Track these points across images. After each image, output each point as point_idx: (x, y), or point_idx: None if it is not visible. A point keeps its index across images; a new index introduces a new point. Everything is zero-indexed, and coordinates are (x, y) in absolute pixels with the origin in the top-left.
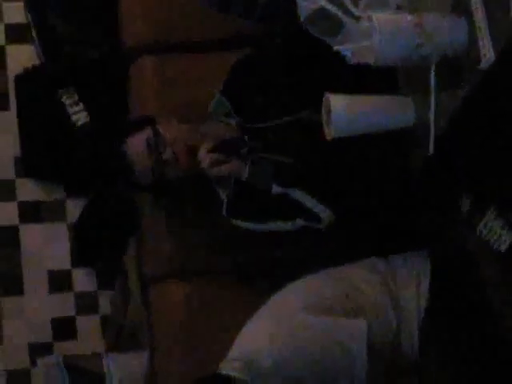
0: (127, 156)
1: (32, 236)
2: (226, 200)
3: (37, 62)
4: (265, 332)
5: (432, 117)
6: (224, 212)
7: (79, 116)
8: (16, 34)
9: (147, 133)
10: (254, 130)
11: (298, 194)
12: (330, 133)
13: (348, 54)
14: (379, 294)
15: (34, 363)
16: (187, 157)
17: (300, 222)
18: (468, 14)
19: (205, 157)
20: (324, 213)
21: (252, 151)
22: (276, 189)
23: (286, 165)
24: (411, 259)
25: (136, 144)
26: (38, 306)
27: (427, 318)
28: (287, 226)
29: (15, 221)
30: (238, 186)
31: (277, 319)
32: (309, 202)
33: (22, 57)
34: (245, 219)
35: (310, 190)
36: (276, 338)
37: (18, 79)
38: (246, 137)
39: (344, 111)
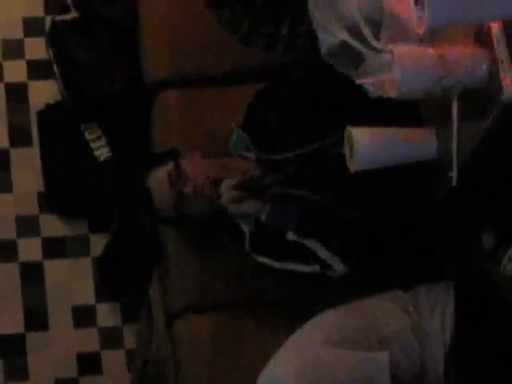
0: (149, 190)
1: (56, 271)
2: (248, 235)
3: (58, 98)
4: (290, 367)
5: (455, 148)
6: (247, 247)
7: (102, 151)
8: (37, 69)
9: (169, 167)
10: (273, 163)
11: (313, 244)
12: (353, 165)
13: (369, 87)
14: (402, 325)
15: None
16: (209, 187)
17: (316, 266)
18: (490, 46)
19: (225, 193)
20: (338, 265)
21: (274, 185)
22: (291, 236)
23: (305, 207)
24: (434, 289)
25: (158, 178)
26: (63, 341)
27: (453, 348)
28: (305, 268)
29: (39, 256)
30: (259, 222)
31: (301, 354)
32: (323, 253)
33: (44, 93)
34: (266, 256)
35: (326, 242)
36: (301, 374)
37: (40, 115)
38: (267, 178)
39: (367, 144)
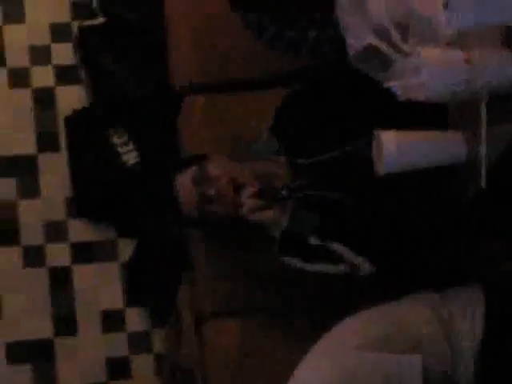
0: (175, 192)
1: (84, 276)
2: (278, 237)
3: (86, 103)
4: (321, 372)
5: (483, 152)
6: (275, 249)
7: (130, 156)
8: (65, 74)
9: (193, 169)
10: (303, 166)
11: (336, 247)
12: (381, 169)
13: (397, 90)
14: (433, 328)
15: None
16: (232, 194)
17: (344, 266)
18: None
19: (245, 202)
20: (364, 265)
21: (301, 189)
22: (313, 240)
23: (332, 211)
24: (464, 291)
25: (183, 180)
26: (92, 346)
27: (483, 351)
28: (332, 268)
29: (67, 261)
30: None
31: (332, 359)
32: (347, 254)
33: (72, 98)
34: (294, 257)
35: (349, 244)
36: (331, 377)
37: (68, 120)
38: (292, 183)
39: (395, 147)
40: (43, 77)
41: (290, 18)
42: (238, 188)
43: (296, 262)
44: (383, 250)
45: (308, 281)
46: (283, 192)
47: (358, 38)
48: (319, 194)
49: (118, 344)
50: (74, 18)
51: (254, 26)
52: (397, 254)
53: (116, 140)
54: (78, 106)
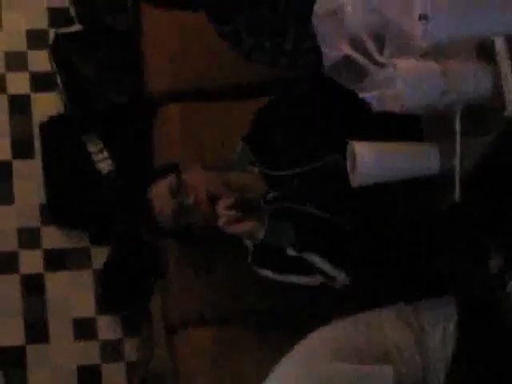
0: (150, 202)
1: (57, 283)
2: (251, 249)
3: (61, 110)
4: (292, 380)
5: (457, 164)
6: (249, 260)
7: (104, 164)
8: (41, 81)
9: (170, 179)
10: (278, 178)
11: (313, 257)
12: (355, 180)
13: (373, 101)
14: (405, 340)
15: None
16: (208, 205)
17: (319, 278)
18: (492, 61)
19: (222, 214)
20: (339, 276)
21: (276, 200)
22: (290, 252)
23: (307, 223)
24: (437, 304)
25: (159, 190)
26: (64, 354)
27: (454, 363)
28: (308, 280)
29: (40, 268)
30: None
31: (304, 367)
32: (323, 265)
33: (47, 105)
34: (268, 269)
35: (325, 255)
36: None
37: (43, 127)
38: (268, 194)
39: (369, 158)
40: (19, 83)
41: (267, 28)
42: (213, 199)
43: (269, 274)
44: (358, 262)
45: (281, 291)
46: (259, 203)
47: (333, 49)
48: (294, 206)
49: (89, 352)
50: (50, 25)
51: (231, 36)
52: (372, 266)
53: (91, 147)
54: (54, 112)
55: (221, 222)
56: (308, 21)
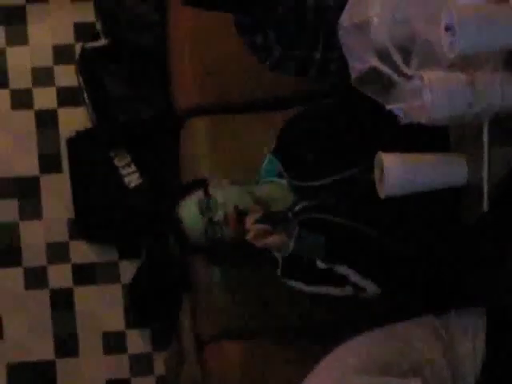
0: (180, 219)
1: (86, 297)
2: (280, 260)
3: (88, 125)
4: None
5: (485, 175)
6: (279, 272)
7: (132, 177)
8: (67, 96)
9: (199, 195)
10: (305, 189)
11: (343, 270)
12: (382, 191)
13: (400, 113)
14: (434, 352)
15: None
16: (236, 223)
17: (349, 289)
18: None
19: (250, 228)
20: (370, 287)
21: (304, 212)
22: (320, 264)
23: (337, 234)
24: (466, 315)
25: (188, 207)
26: (93, 368)
27: (484, 374)
28: (337, 291)
29: (69, 283)
30: None
31: (331, 380)
32: (354, 277)
33: (74, 120)
34: (297, 280)
35: (356, 266)
36: None
37: (71, 142)
38: (296, 206)
39: (396, 170)
40: (46, 98)
41: (297, 38)
42: (241, 215)
43: (298, 285)
44: (389, 273)
45: (311, 303)
46: (287, 216)
47: (360, 61)
48: (323, 217)
49: (119, 366)
50: (77, 40)
51: (261, 49)
52: (402, 277)
53: (118, 162)
54: (80, 127)
55: (249, 237)
56: (336, 31)
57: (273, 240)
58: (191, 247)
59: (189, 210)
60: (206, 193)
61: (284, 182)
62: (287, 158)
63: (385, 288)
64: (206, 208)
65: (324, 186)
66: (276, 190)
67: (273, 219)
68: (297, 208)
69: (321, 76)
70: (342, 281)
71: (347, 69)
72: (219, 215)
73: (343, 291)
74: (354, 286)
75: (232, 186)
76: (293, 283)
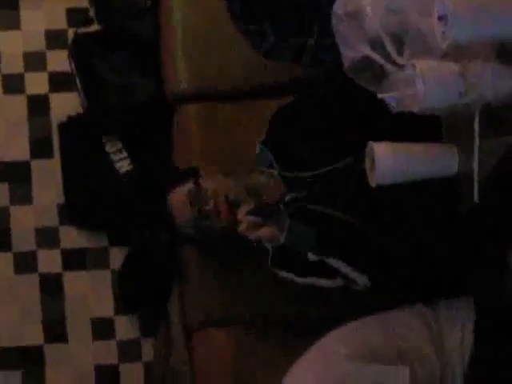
0: (170, 208)
1: (76, 283)
2: (271, 251)
3: (80, 110)
4: (310, 380)
5: (476, 165)
6: (269, 262)
7: (123, 164)
8: (59, 82)
9: (189, 186)
10: (296, 180)
11: (334, 262)
12: (373, 180)
13: (392, 102)
14: (423, 341)
15: None
16: (228, 213)
17: (340, 280)
18: None
19: (242, 219)
20: (360, 279)
21: (294, 203)
22: (311, 256)
23: (328, 225)
24: (456, 306)
25: (178, 197)
26: (82, 354)
27: (471, 365)
28: (328, 283)
29: (59, 268)
30: None
31: (321, 367)
32: (345, 268)
33: (66, 105)
34: (288, 271)
35: (346, 259)
36: None
37: (62, 127)
38: (286, 196)
39: (387, 159)
40: (37, 83)
41: (291, 24)
42: (233, 206)
43: (289, 276)
44: (379, 264)
45: (302, 293)
46: (279, 208)
47: (353, 49)
48: (314, 208)
49: (107, 351)
50: (69, 25)
51: (255, 35)
52: (392, 268)
53: (109, 148)
54: (72, 113)
55: (241, 228)
56: (328, 20)
57: (264, 232)
58: (181, 236)
59: (178, 200)
60: (197, 183)
61: (275, 172)
62: (278, 148)
63: (374, 280)
64: (195, 198)
65: (315, 176)
66: (267, 179)
67: (264, 211)
68: (287, 198)
69: (314, 63)
70: (333, 272)
71: (340, 57)
72: (209, 206)
73: (334, 283)
74: (345, 277)
75: (223, 176)
76: (284, 274)
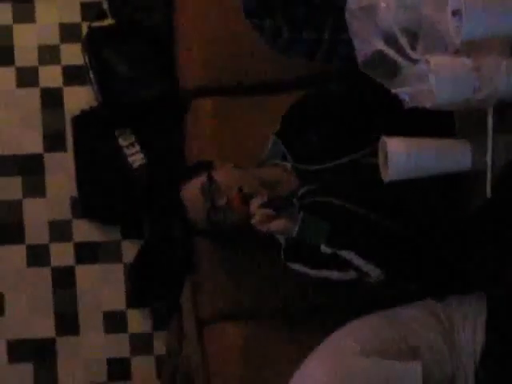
0: (183, 202)
1: (88, 276)
2: (284, 244)
3: (93, 104)
4: (320, 374)
5: (489, 160)
6: (282, 255)
7: (136, 157)
8: (73, 75)
9: (202, 179)
10: (309, 173)
11: (347, 254)
12: (386, 175)
13: (405, 97)
14: (435, 336)
15: None
16: (241, 206)
17: (352, 273)
18: None
19: (255, 212)
20: (373, 272)
21: (308, 196)
22: (324, 249)
23: (341, 218)
24: (466, 300)
25: (191, 190)
26: (94, 346)
27: (483, 360)
28: (340, 275)
29: (71, 261)
30: None
31: (333, 362)
32: (357, 261)
33: (79, 98)
34: (300, 263)
35: (360, 251)
36: (331, 381)
37: (75, 120)
38: (300, 189)
39: (400, 154)
40: (51, 77)
41: (305, 20)
42: (246, 198)
43: (301, 268)
44: (392, 257)
45: (313, 286)
46: (292, 201)
47: (366, 44)
48: (327, 201)
49: (119, 345)
50: (83, 19)
51: (269, 32)
52: (405, 261)
53: (122, 141)
54: (86, 106)
55: (254, 221)
56: (342, 15)
57: (277, 225)
58: (194, 230)
59: (191, 193)
60: (210, 177)
61: (288, 164)
62: (291, 141)
63: (388, 272)
64: (208, 192)
65: (328, 169)
66: (280, 172)
67: (277, 204)
68: (301, 191)
69: (328, 58)
70: (346, 265)
71: (354, 52)
72: (222, 199)
73: (347, 275)
74: (358, 270)
75: (236, 169)
76: (296, 266)
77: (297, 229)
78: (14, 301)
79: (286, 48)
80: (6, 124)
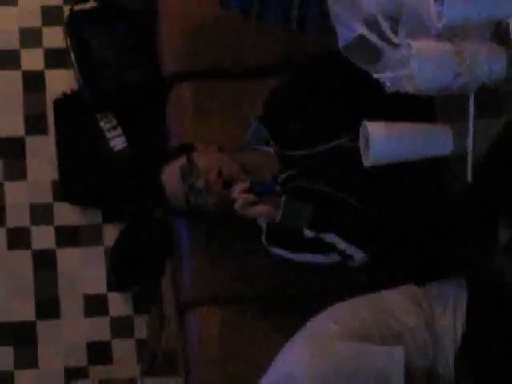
0: (162, 183)
1: (69, 260)
2: (265, 228)
3: (75, 87)
4: (302, 358)
5: (470, 145)
6: (263, 239)
7: (117, 141)
8: (55, 58)
9: (182, 161)
10: (291, 158)
11: (330, 237)
12: (367, 160)
13: (387, 81)
14: (416, 322)
15: None
16: (220, 189)
17: (335, 256)
18: (507, 44)
19: (238, 197)
20: (357, 254)
21: (289, 180)
22: (308, 232)
23: (324, 202)
24: (448, 287)
25: (170, 172)
26: (74, 330)
27: (463, 346)
28: (324, 258)
29: (52, 244)
30: None
31: (314, 345)
32: (341, 244)
33: (61, 81)
34: (283, 248)
35: (343, 234)
36: (313, 365)
37: (57, 103)
38: (282, 174)
39: (381, 139)
40: (33, 59)
41: None
42: (226, 181)
43: (283, 253)
44: (376, 240)
45: (294, 273)
46: (274, 186)
47: (348, 29)
48: (309, 186)
49: (99, 328)
50: (65, 2)
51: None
52: (388, 245)
53: (104, 125)
54: (67, 89)
55: (237, 206)
56: None
57: (260, 209)
58: (174, 213)
59: (171, 175)
60: (189, 159)
61: (270, 149)
62: (274, 126)
63: (371, 254)
64: (188, 174)
65: (311, 154)
66: (262, 157)
67: (260, 189)
68: (283, 176)
69: (301, 29)
70: (329, 248)
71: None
72: (200, 182)
73: (330, 259)
74: (342, 253)
75: (217, 153)
76: (277, 250)
77: (280, 213)
78: None
79: (260, 16)
80: None
